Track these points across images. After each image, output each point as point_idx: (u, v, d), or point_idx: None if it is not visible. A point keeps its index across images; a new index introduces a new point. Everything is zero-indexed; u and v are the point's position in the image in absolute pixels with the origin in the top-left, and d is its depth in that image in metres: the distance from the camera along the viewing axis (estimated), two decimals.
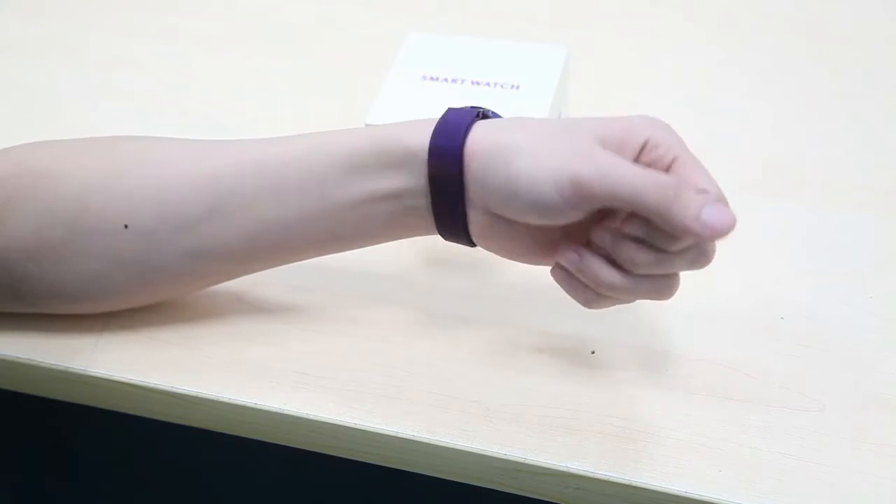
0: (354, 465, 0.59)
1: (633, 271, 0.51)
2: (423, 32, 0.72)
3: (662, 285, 0.52)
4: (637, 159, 0.51)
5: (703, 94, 0.79)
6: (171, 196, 0.55)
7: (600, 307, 0.53)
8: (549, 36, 0.83)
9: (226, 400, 0.58)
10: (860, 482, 0.53)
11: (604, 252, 0.51)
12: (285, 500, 0.81)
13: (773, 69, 0.81)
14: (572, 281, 0.53)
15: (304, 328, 0.61)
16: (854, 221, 0.67)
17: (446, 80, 0.67)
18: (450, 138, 0.52)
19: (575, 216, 0.50)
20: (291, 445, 0.59)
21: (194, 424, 0.60)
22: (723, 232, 0.48)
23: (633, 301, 0.53)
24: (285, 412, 0.57)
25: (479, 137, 0.52)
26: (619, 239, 0.50)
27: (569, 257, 0.52)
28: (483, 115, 0.55)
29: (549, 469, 0.54)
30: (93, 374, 0.59)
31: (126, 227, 0.55)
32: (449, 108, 0.54)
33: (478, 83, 0.67)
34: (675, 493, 0.53)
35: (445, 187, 0.52)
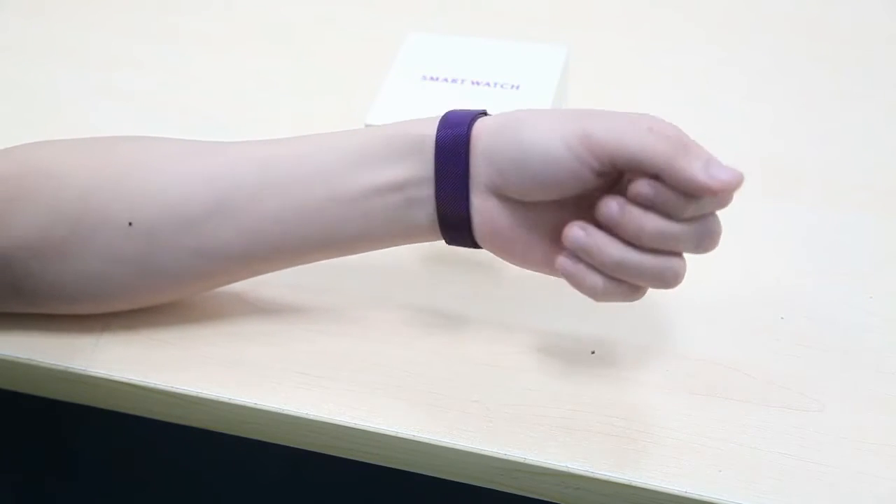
0: (354, 465, 0.59)
1: (640, 243, 0.50)
2: (423, 32, 0.72)
3: (667, 266, 0.51)
4: None
5: (702, 94, 0.79)
6: (175, 193, 0.55)
7: (607, 296, 0.52)
8: (549, 36, 0.83)
9: (226, 400, 0.58)
10: (860, 482, 0.53)
11: (610, 231, 0.51)
12: (285, 500, 0.81)
13: (773, 69, 0.81)
14: (578, 267, 0.52)
15: (304, 328, 0.61)
16: (854, 221, 0.67)
17: (446, 80, 0.67)
18: (457, 125, 0.53)
19: (584, 179, 0.51)
20: (291, 445, 0.59)
21: (194, 424, 0.60)
22: (730, 185, 0.49)
23: (639, 293, 0.53)
24: (285, 412, 0.57)
25: (485, 121, 0.53)
26: (626, 207, 0.50)
27: (574, 234, 0.51)
28: (484, 114, 0.55)
29: (549, 469, 0.54)
30: (93, 374, 0.59)
31: (130, 224, 0.55)
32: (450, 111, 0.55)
33: (478, 83, 0.67)
34: (675, 493, 0.53)
35: (451, 168, 0.53)
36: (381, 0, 0.89)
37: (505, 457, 0.55)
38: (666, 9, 0.88)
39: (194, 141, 0.58)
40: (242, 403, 0.57)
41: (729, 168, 0.49)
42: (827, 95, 0.79)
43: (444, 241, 0.56)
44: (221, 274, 0.58)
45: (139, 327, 0.61)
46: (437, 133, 0.54)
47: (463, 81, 0.67)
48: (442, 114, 0.55)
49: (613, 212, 0.51)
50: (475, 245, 0.55)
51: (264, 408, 0.57)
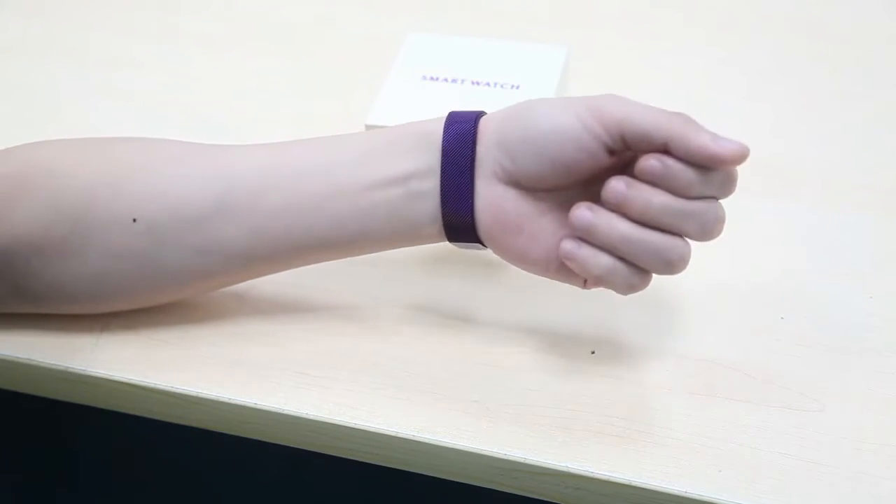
0: (354, 465, 0.59)
1: (647, 218, 0.51)
2: (423, 32, 0.72)
3: (673, 246, 0.51)
4: None
5: (702, 94, 0.79)
6: (178, 190, 0.56)
7: (612, 277, 0.52)
8: (549, 36, 0.83)
9: (226, 400, 0.58)
10: (860, 482, 0.53)
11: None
12: (285, 500, 0.81)
13: (773, 69, 0.81)
14: (583, 249, 0.52)
15: (304, 328, 0.61)
16: (854, 221, 0.67)
17: (446, 80, 0.67)
18: (464, 120, 0.54)
19: (594, 153, 0.51)
20: (291, 445, 0.59)
21: (194, 424, 0.60)
22: (738, 153, 0.50)
23: (643, 279, 0.52)
24: (285, 412, 0.57)
25: (493, 113, 0.55)
26: (633, 184, 0.51)
27: (581, 212, 0.52)
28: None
29: (549, 469, 0.54)
30: (93, 374, 0.59)
31: (134, 220, 0.55)
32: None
33: (478, 83, 0.67)
34: (675, 493, 0.53)
35: (457, 155, 0.53)
36: (381, 0, 0.89)
37: (505, 457, 0.55)
38: (666, 9, 0.88)
39: (195, 143, 0.59)
40: (242, 403, 0.58)
41: (736, 140, 0.50)
42: (827, 95, 0.79)
43: (445, 242, 0.56)
44: (222, 274, 0.58)
45: (139, 327, 0.61)
46: (445, 126, 0.54)
47: (463, 81, 0.67)
48: (445, 115, 0.55)
49: (621, 188, 0.51)
50: (477, 239, 0.55)
51: (264, 408, 0.57)
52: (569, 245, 0.53)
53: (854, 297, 0.62)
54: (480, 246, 0.56)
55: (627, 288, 0.53)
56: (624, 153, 0.52)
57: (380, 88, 0.67)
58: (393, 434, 0.56)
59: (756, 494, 0.52)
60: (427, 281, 0.64)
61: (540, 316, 0.61)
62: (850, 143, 0.74)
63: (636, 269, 0.52)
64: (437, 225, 0.55)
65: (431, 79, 0.67)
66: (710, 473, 0.53)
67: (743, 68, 0.82)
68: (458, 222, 0.54)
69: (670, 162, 0.50)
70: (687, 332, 0.60)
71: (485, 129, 0.54)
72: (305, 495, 0.81)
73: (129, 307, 0.60)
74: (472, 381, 0.58)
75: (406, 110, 0.64)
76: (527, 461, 0.54)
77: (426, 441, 0.56)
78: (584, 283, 0.55)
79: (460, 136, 0.54)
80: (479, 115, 0.55)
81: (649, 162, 0.51)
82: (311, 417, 0.57)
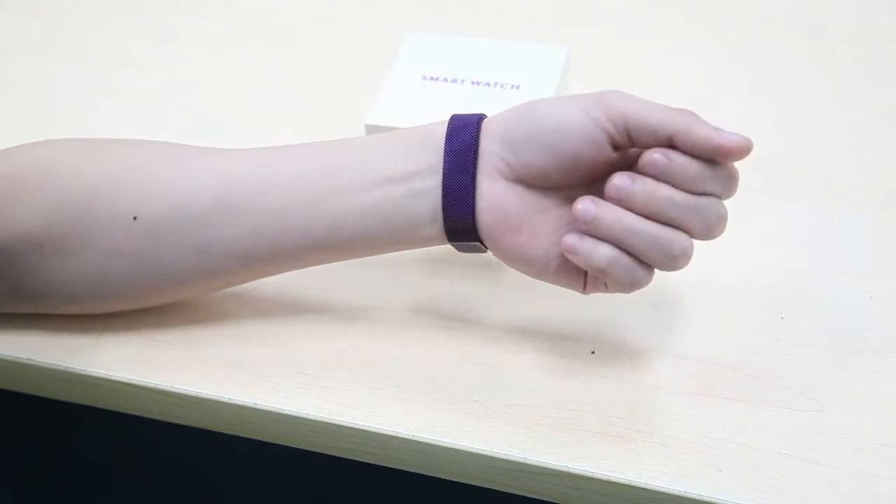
0: (354, 465, 0.59)
1: (651, 211, 0.51)
2: (423, 32, 0.72)
3: (676, 239, 0.51)
4: None
5: (703, 94, 0.79)
6: (180, 189, 0.56)
7: (615, 270, 0.52)
8: (549, 36, 0.83)
9: (226, 400, 0.58)
10: (860, 482, 0.53)
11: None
12: (285, 500, 0.81)
13: (773, 69, 0.81)
14: (585, 241, 0.52)
15: (304, 328, 0.61)
16: (854, 221, 0.67)
17: (446, 80, 0.67)
18: (467, 120, 0.55)
19: (599, 144, 0.51)
20: (291, 445, 0.59)
21: (194, 424, 0.60)
22: (742, 145, 0.50)
23: (645, 274, 0.52)
24: (285, 412, 0.57)
25: (496, 114, 0.55)
26: (637, 178, 0.51)
27: (584, 205, 0.52)
28: None
29: (549, 469, 0.54)
30: (93, 374, 0.59)
31: (135, 218, 0.55)
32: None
33: (478, 83, 0.67)
34: (675, 493, 0.53)
35: (460, 152, 0.53)
36: (381, 0, 0.89)
37: (505, 457, 0.55)
38: (666, 9, 0.88)
39: (195, 146, 0.59)
40: (242, 403, 0.58)
41: (740, 133, 0.51)
42: (827, 95, 0.79)
43: (444, 245, 0.56)
44: (222, 274, 0.58)
45: (139, 327, 0.61)
46: (447, 127, 0.55)
47: (463, 81, 0.67)
48: (446, 118, 0.55)
49: (625, 182, 0.51)
50: (477, 239, 0.55)
51: (264, 408, 0.57)
52: (571, 238, 0.52)
53: (854, 297, 0.62)
54: (480, 247, 0.56)
55: (629, 282, 0.53)
56: (627, 151, 0.53)
57: (380, 88, 0.67)
58: (393, 434, 0.56)
59: (756, 494, 0.52)
60: (427, 281, 0.64)
61: (540, 316, 0.61)
62: (850, 143, 0.74)
63: (639, 262, 0.52)
64: (438, 225, 0.55)
65: (431, 79, 0.67)
66: (710, 473, 0.53)
67: (743, 68, 0.82)
68: (459, 220, 0.54)
69: (675, 156, 0.51)
70: (687, 332, 0.60)
71: (488, 128, 0.54)
72: (305, 495, 0.81)
73: (129, 307, 0.60)
74: (472, 381, 0.58)
75: (406, 110, 0.64)
76: (527, 461, 0.54)
77: (426, 441, 0.56)
78: (584, 287, 0.55)
79: (463, 134, 0.54)
80: (482, 116, 0.55)
81: (653, 156, 0.51)
82: (311, 417, 0.57)
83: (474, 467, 0.56)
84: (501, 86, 0.66)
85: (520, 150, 0.53)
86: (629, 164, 0.53)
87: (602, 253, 0.52)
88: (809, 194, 0.70)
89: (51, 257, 0.56)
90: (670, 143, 0.51)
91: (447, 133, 0.54)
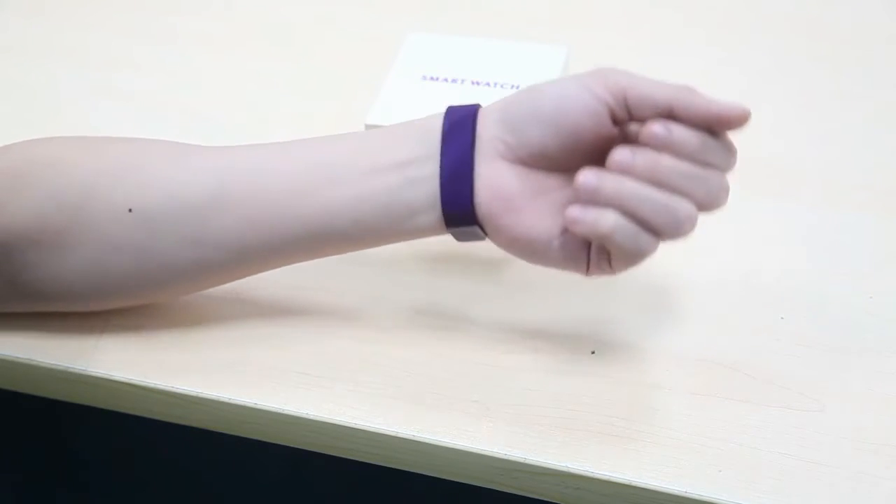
0: (354, 465, 0.59)
1: (655, 180, 0.51)
2: (423, 32, 0.72)
3: (681, 205, 0.51)
4: None
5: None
6: (176, 182, 0.56)
7: (620, 237, 0.51)
8: (549, 36, 0.83)
9: (226, 400, 0.58)
10: (860, 482, 0.53)
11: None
12: (285, 500, 0.81)
13: (773, 69, 0.81)
14: (589, 210, 0.51)
15: (304, 328, 0.61)
16: (854, 221, 0.67)
17: (446, 80, 0.67)
18: (464, 108, 0.55)
19: (599, 117, 0.52)
20: (291, 445, 0.59)
21: (194, 424, 0.60)
22: (740, 114, 0.51)
23: (650, 241, 0.51)
24: (285, 412, 0.57)
25: (493, 102, 0.55)
26: (638, 150, 0.51)
27: (586, 174, 0.51)
28: None
29: (549, 469, 0.54)
30: (93, 374, 0.59)
31: (130, 210, 0.55)
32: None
33: (478, 83, 0.67)
34: (675, 493, 0.53)
35: (457, 136, 0.54)
36: (381, 0, 0.89)
37: (505, 457, 0.55)
38: (666, 9, 0.88)
39: (193, 144, 0.59)
40: (242, 403, 0.58)
41: (737, 102, 0.51)
42: (827, 95, 0.79)
43: (443, 235, 0.56)
44: (217, 267, 0.58)
45: (139, 328, 0.61)
46: (444, 116, 0.55)
47: (463, 81, 0.67)
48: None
49: (626, 156, 0.51)
50: (475, 223, 0.54)
51: (264, 408, 0.57)
52: (575, 210, 0.51)
53: (854, 297, 0.62)
54: (479, 233, 0.55)
55: (635, 250, 0.52)
56: (627, 129, 0.53)
57: (380, 88, 0.67)
58: (393, 434, 0.56)
59: (756, 494, 0.52)
60: (427, 281, 0.64)
61: (540, 316, 0.61)
62: (850, 143, 0.74)
63: (644, 228, 0.51)
64: (436, 212, 0.54)
65: (431, 79, 0.67)
66: (710, 473, 0.53)
67: (743, 68, 0.82)
68: (457, 205, 0.54)
69: (675, 127, 0.51)
70: (687, 332, 0.60)
71: (485, 113, 0.54)
72: (305, 495, 0.81)
73: (127, 304, 0.60)
74: (472, 381, 0.58)
75: (406, 110, 0.64)
76: (527, 461, 0.54)
77: (426, 441, 0.55)
78: (587, 268, 0.54)
79: (460, 121, 0.54)
80: (479, 105, 0.55)
81: (654, 128, 0.51)
82: (311, 417, 0.57)
83: (474, 467, 0.56)
84: (501, 86, 0.66)
85: (519, 129, 0.53)
86: (629, 143, 0.52)
87: (607, 218, 0.51)
88: (809, 194, 0.70)
89: (48, 253, 0.56)
90: (670, 116, 0.51)
91: (444, 121, 0.55)
